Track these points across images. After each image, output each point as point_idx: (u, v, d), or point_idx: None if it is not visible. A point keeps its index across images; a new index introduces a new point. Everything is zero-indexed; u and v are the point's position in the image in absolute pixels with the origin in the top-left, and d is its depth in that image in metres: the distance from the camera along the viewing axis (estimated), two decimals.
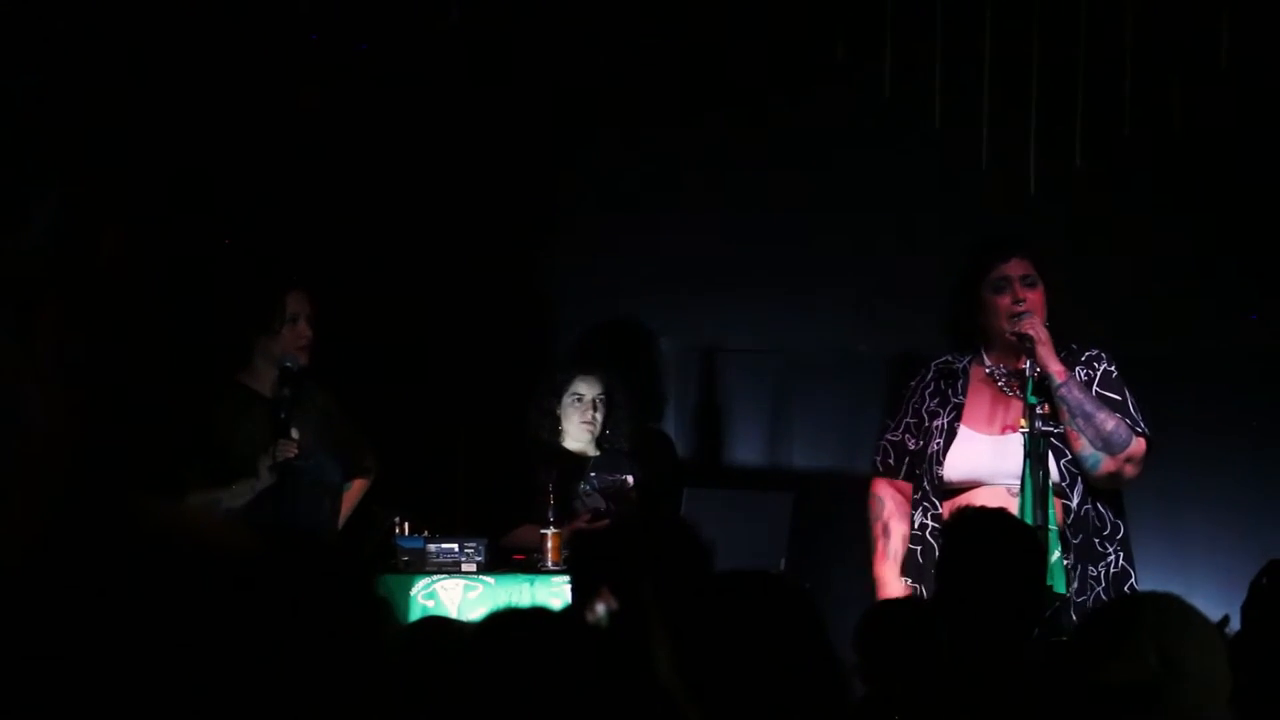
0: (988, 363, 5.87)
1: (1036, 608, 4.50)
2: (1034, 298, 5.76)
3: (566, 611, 3.95)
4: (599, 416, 6.92)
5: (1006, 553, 4.41)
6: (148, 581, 1.40)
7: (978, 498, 5.53)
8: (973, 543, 4.45)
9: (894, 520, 5.89)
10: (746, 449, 7.62)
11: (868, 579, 5.93)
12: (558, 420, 6.93)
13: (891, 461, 5.93)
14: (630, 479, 6.81)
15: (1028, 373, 5.65)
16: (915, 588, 5.74)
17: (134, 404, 6.47)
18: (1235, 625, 4.00)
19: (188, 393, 6.29)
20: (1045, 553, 4.91)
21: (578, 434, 6.92)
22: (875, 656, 4.06)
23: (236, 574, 1.44)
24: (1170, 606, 3.33)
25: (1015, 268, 5.79)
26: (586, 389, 6.93)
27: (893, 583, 5.81)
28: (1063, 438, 5.68)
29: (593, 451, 6.92)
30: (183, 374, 6.44)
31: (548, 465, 6.71)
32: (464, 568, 6.29)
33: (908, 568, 5.80)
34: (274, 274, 6.33)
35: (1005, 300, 5.76)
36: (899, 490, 5.91)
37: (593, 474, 6.81)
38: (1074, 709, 3.30)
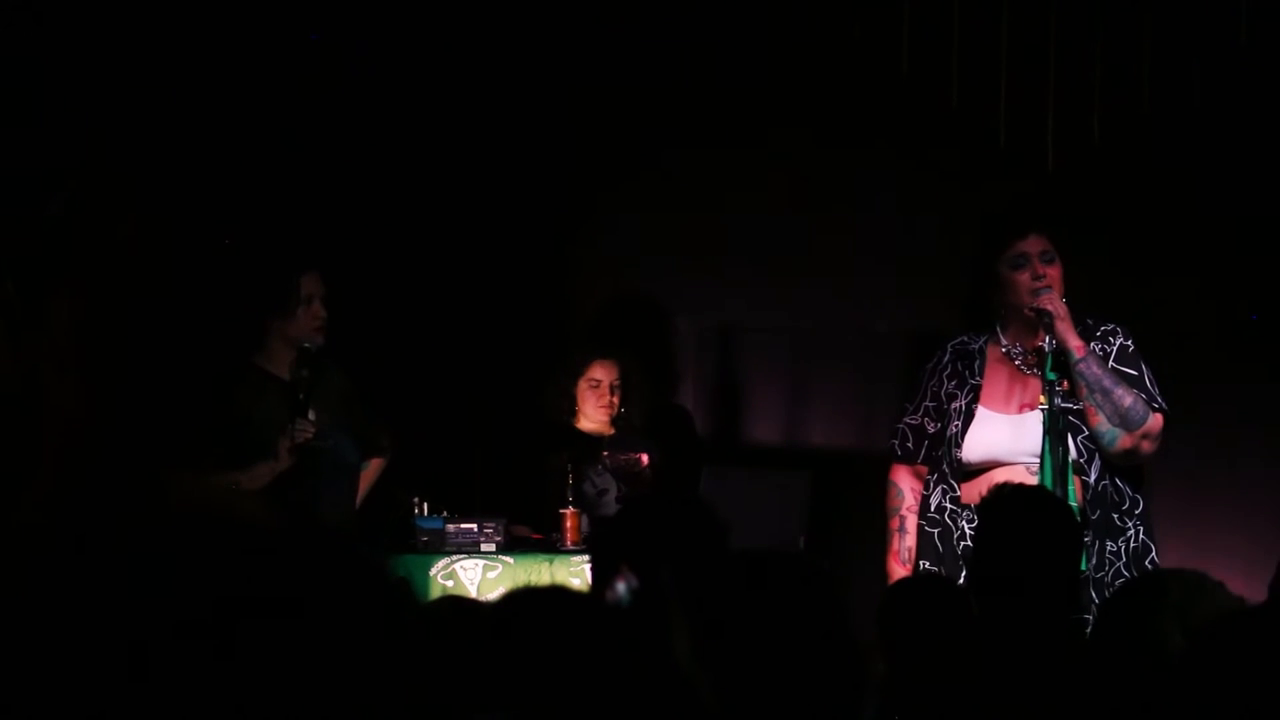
0: (1004, 342, 5.83)
1: (1074, 586, 4.45)
2: (1053, 273, 5.72)
3: (585, 591, 3.94)
4: (615, 401, 6.92)
5: (1047, 530, 4.36)
6: (167, 560, 1.39)
7: (996, 478, 5.50)
8: (1012, 520, 4.40)
9: (911, 516, 5.85)
10: (765, 428, 7.60)
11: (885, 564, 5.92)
12: (574, 401, 6.93)
13: (910, 445, 5.90)
14: (644, 457, 6.81)
15: (1046, 348, 5.62)
16: (933, 570, 5.71)
17: (150, 388, 6.48)
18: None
19: (204, 376, 6.29)
20: (1082, 530, 4.85)
21: (594, 414, 6.92)
22: (897, 634, 4.04)
23: (256, 551, 1.43)
24: (1195, 582, 3.30)
25: (1033, 244, 5.75)
26: (604, 374, 6.93)
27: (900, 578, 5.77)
28: (1080, 414, 5.66)
29: (608, 431, 6.92)
30: (199, 358, 6.44)
31: (563, 447, 6.71)
32: (483, 547, 6.29)
33: (925, 550, 5.77)
34: (287, 256, 6.34)
35: (1025, 277, 5.72)
36: (918, 478, 5.88)
37: (605, 453, 6.81)
38: (1099, 686, 3.28)
